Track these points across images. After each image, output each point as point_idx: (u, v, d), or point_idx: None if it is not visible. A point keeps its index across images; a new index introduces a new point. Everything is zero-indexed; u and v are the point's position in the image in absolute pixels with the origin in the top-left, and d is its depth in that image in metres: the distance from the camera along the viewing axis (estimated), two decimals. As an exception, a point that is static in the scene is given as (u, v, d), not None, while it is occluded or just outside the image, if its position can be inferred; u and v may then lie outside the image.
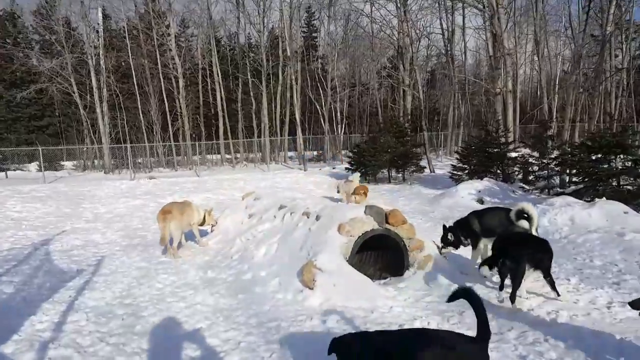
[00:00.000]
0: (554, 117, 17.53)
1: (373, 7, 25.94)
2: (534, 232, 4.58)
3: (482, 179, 11.27)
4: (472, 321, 3.67)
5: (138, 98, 24.85)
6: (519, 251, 3.86)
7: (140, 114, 25.14)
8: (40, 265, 5.78)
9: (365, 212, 4.98)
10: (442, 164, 21.24)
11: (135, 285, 4.91)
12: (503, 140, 12.76)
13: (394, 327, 3.52)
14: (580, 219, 6.67)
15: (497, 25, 16.43)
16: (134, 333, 3.63)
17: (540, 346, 3.15)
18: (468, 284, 4.50)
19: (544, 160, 11.37)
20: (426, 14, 26.04)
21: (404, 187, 14.08)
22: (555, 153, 11.17)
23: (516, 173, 12.42)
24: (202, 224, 6.85)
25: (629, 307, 2.96)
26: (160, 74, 24.94)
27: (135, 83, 24.65)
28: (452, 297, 2.40)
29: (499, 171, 12.39)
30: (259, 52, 27.53)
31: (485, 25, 23.00)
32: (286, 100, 28.55)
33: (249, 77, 27.00)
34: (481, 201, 9.82)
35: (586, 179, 9.19)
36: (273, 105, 28.31)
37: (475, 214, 5.16)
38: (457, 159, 14.01)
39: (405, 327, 3.55)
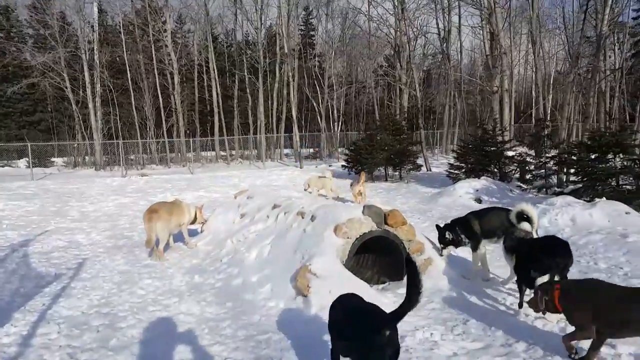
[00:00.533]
0: (549, 116, 17.49)
1: (370, 6, 25.76)
2: (534, 234, 4.39)
3: (479, 178, 11.13)
4: (476, 331, 3.46)
5: (132, 94, 24.43)
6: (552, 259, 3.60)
7: (134, 110, 24.71)
8: (16, 269, 5.44)
9: (363, 212, 4.71)
10: (438, 162, 21.25)
11: (116, 291, 4.59)
12: (500, 139, 12.64)
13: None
14: (582, 220, 6.49)
15: (495, 24, 16.35)
16: (108, 348, 3.33)
17: (551, 360, 2.93)
18: (472, 290, 4.29)
19: (541, 159, 11.25)
20: (423, 13, 26.12)
21: (400, 186, 13.91)
22: (553, 152, 11.07)
23: (513, 172, 12.30)
24: (193, 222, 6.56)
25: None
26: (155, 70, 24.54)
27: (129, 78, 24.23)
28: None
29: (496, 170, 12.29)
30: (256, 49, 27.38)
31: (483, 24, 22.91)
32: (283, 97, 28.32)
33: (246, 74, 26.80)
34: (479, 200, 9.68)
35: (585, 179, 9.07)
36: (269, 102, 28.06)
37: (474, 214, 4.97)
38: (454, 157, 13.88)
39: (407, 338, 3.29)
